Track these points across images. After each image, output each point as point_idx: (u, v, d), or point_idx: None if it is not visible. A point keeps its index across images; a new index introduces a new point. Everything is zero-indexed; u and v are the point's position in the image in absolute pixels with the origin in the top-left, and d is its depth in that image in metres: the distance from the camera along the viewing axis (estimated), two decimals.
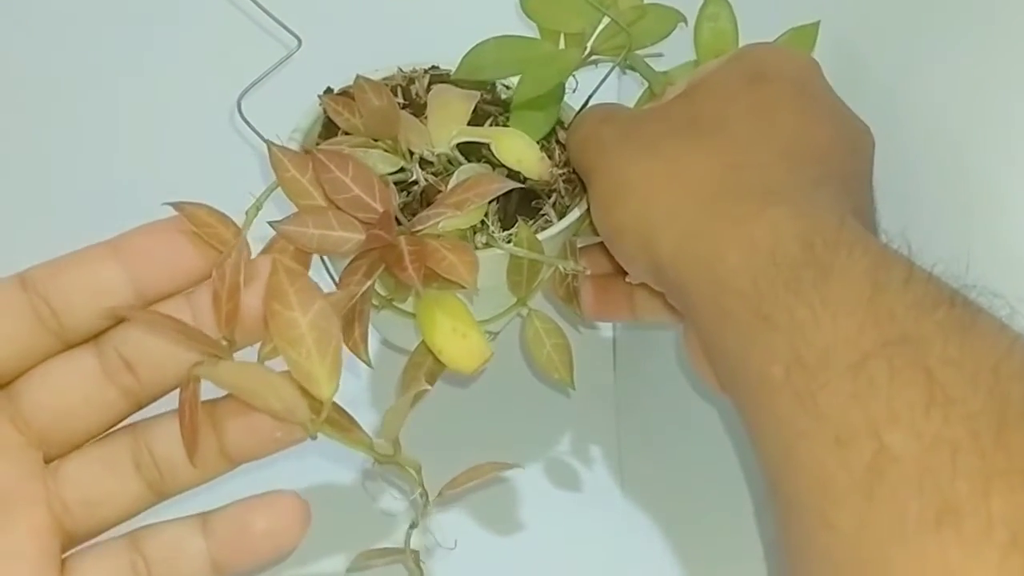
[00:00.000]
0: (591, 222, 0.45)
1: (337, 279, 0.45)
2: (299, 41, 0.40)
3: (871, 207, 0.37)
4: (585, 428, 0.50)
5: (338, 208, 0.38)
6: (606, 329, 0.53)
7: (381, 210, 0.38)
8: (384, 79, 0.48)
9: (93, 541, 0.35)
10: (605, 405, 0.51)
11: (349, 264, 0.39)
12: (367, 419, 0.49)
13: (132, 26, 0.55)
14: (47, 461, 0.34)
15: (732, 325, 0.31)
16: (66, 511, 0.33)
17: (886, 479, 0.26)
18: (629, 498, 0.47)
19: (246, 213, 0.37)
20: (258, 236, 0.36)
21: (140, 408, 0.35)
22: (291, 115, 0.44)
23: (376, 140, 0.42)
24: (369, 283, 0.38)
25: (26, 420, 0.33)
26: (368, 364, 0.39)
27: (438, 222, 0.39)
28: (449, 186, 0.42)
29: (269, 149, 0.37)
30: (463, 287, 0.38)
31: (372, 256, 0.38)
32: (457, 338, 0.39)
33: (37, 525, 0.32)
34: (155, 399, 0.35)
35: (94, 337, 0.34)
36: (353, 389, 0.51)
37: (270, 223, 0.36)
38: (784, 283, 0.30)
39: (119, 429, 0.35)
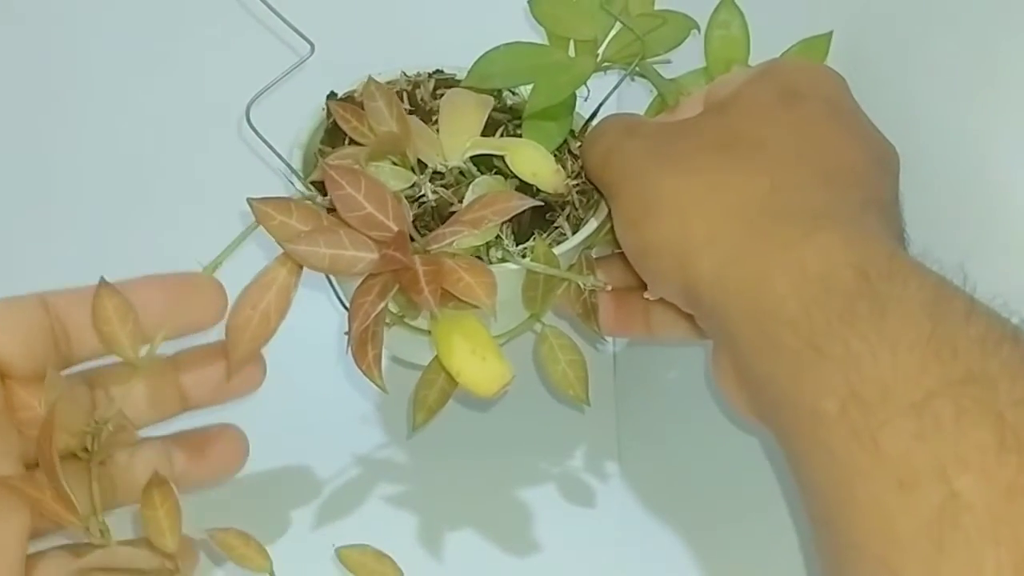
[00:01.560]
0: (605, 234, 0.44)
1: (345, 300, 0.44)
2: (312, 47, 0.38)
3: (903, 230, 0.36)
4: (585, 441, 0.49)
5: (349, 227, 0.37)
6: (606, 339, 0.52)
7: (395, 228, 0.36)
8: (388, 83, 0.46)
9: None
10: (606, 418, 0.50)
11: (361, 284, 0.37)
12: (376, 438, 0.48)
13: (141, 31, 0.53)
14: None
15: (778, 354, 0.31)
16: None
17: (959, 528, 0.25)
18: (631, 508, 0.47)
19: (203, 268, 0.38)
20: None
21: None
22: (300, 122, 0.42)
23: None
24: (382, 304, 0.37)
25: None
26: (383, 389, 0.37)
27: (453, 241, 0.37)
28: (464, 201, 0.40)
29: (250, 205, 0.37)
30: (476, 307, 0.37)
31: (385, 276, 0.37)
32: (476, 360, 0.37)
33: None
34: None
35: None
36: (363, 408, 0.49)
37: (280, 243, 0.34)
38: (838, 314, 0.29)
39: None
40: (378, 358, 0.37)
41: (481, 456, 0.48)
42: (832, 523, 0.29)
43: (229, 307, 0.37)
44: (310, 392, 0.49)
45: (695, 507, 0.47)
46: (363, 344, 0.37)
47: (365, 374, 0.37)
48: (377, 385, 0.37)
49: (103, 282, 0.38)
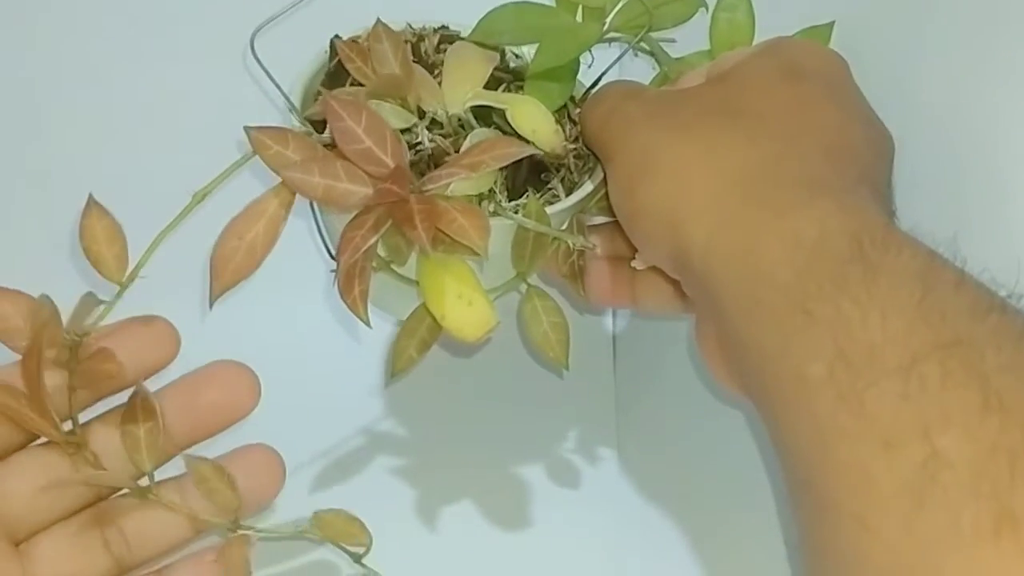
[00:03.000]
0: (598, 201, 0.44)
1: (328, 241, 0.44)
2: None
3: (894, 213, 0.36)
4: (584, 422, 0.49)
5: (345, 159, 0.37)
6: (605, 322, 0.52)
7: (392, 164, 0.36)
8: None
9: None
10: (604, 399, 0.49)
11: (353, 219, 0.37)
12: (354, 391, 0.48)
13: None
14: (16, 544, 0.37)
15: (767, 318, 0.31)
16: None
17: (938, 484, 0.25)
18: (628, 493, 0.46)
19: (192, 196, 0.37)
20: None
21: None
22: (305, 58, 0.42)
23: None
24: (374, 239, 0.37)
25: None
26: (367, 323, 0.37)
27: (450, 183, 0.37)
28: (462, 151, 0.40)
29: (247, 133, 0.36)
30: (472, 252, 0.37)
31: (379, 212, 0.37)
32: (463, 304, 0.37)
33: None
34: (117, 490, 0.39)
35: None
36: (344, 352, 0.49)
37: (274, 169, 0.34)
38: (830, 278, 0.29)
39: (85, 510, 0.39)
40: (365, 293, 0.37)
41: (471, 438, 0.47)
42: (810, 484, 0.28)
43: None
44: (296, 344, 0.49)
45: (697, 486, 0.46)
46: (350, 279, 0.37)
47: (350, 308, 0.37)
48: (361, 319, 0.37)
49: (92, 201, 0.37)
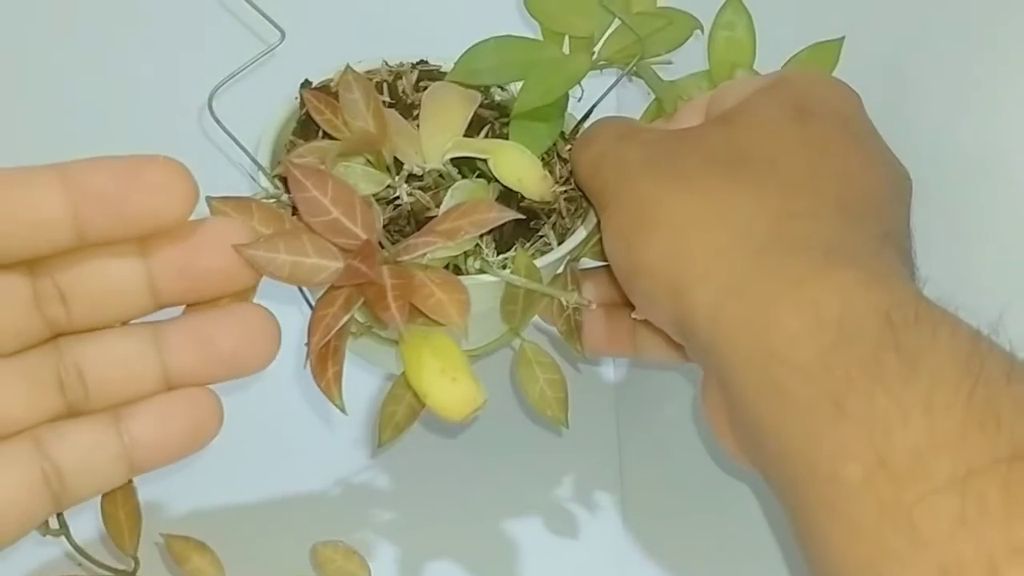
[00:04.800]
0: (593, 246, 0.41)
1: (312, 301, 0.41)
2: (282, 34, 0.35)
3: (915, 264, 0.33)
4: (586, 475, 0.46)
5: (313, 232, 0.34)
6: (606, 370, 0.49)
7: (363, 237, 0.34)
8: (367, 73, 0.43)
9: None
10: (607, 452, 0.47)
11: (324, 295, 0.34)
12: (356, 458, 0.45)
13: (100, 18, 0.49)
14: None
15: (787, 405, 0.28)
16: None
17: None
18: (632, 547, 0.44)
19: None
20: None
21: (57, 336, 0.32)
22: (268, 115, 0.39)
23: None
24: (345, 318, 0.34)
25: None
26: (342, 410, 0.35)
27: (427, 252, 0.35)
28: (441, 207, 0.38)
29: (208, 203, 0.33)
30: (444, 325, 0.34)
31: (350, 288, 0.34)
32: (446, 381, 0.35)
33: None
34: (77, 332, 0.32)
35: (28, 262, 0.30)
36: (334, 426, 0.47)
37: (235, 246, 0.31)
38: (860, 364, 0.26)
39: (41, 344, 0.32)
40: (338, 375, 0.34)
41: (467, 493, 0.45)
42: None
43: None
44: (273, 405, 0.46)
45: (704, 543, 0.44)
46: (323, 360, 0.34)
47: (323, 392, 0.34)
48: (336, 405, 0.34)
49: None
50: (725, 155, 0.34)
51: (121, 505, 0.37)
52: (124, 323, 0.32)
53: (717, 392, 0.32)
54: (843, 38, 0.43)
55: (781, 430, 0.28)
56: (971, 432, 0.24)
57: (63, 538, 0.37)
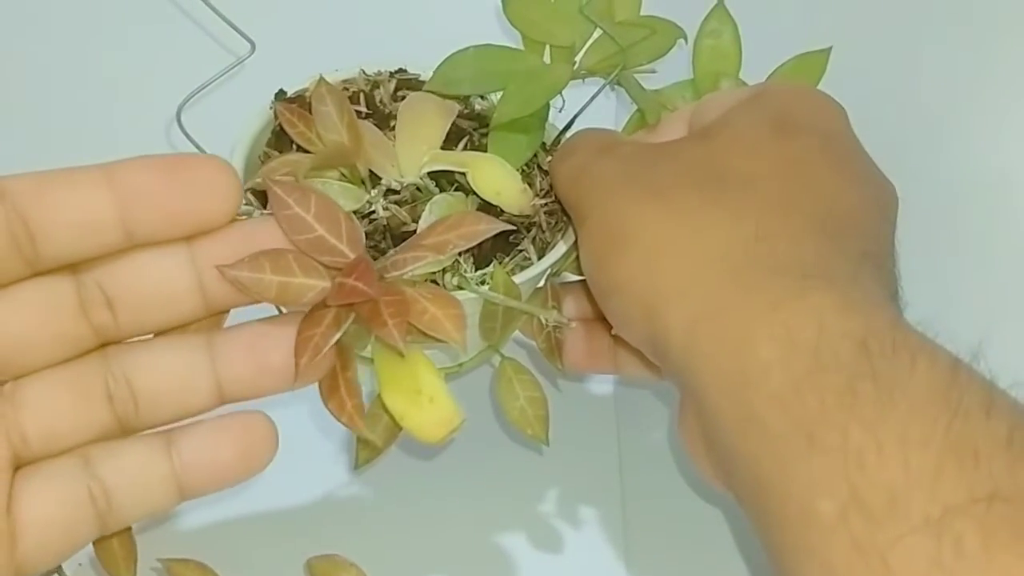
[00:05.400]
0: (574, 260, 0.40)
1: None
2: (252, 46, 0.34)
3: (898, 286, 0.33)
4: (586, 496, 0.45)
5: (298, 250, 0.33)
6: (604, 384, 0.48)
7: (350, 254, 0.32)
8: (344, 82, 0.42)
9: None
10: (608, 471, 0.45)
11: (308, 314, 0.33)
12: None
13: (67, 31, 0.48)
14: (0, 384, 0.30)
15: (761, 434, 0.27)
16: (24, 442, 0.30)
17: None
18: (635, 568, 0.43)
19: None
20: None
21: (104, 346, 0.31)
22: (239, 127, 0.38)
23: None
24: (337, 335, 0.32)
25: None
26: (374, 441, 0.34)
27: (415, 268, 0.34)
28: (420, 221, 0.37)
29: None
30: (437, 340, 0.33)
31: (339, 306, 0.33)
32: (423, 402, 0.34)
33: None
34: (125, 340, 0.31)
35: (71, 266, 0.29)
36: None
37: (219, 267, 0.30)
38: (835, 394, 0.26)
39: (89, 354, 0.31)
40: (360, 408, 0.33)
41: (462, 516, 0.44)
42: None
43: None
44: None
45: (706, 566, 0.43)
46: (334, 389, 0.33)
47: (347, 425, 0.33)
48: (364, 435, 0.33)
49: None
50: (703, 173, 0.33)
51: (114, 533, 0.36)
52: (173, 328, 0.32)
53: (692, 415, 0.31)
54: (830, 48, 0.43)
55: (755, 459, 0.27)
56: (948, 468, 0.24)
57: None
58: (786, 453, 0.26)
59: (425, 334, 0.33)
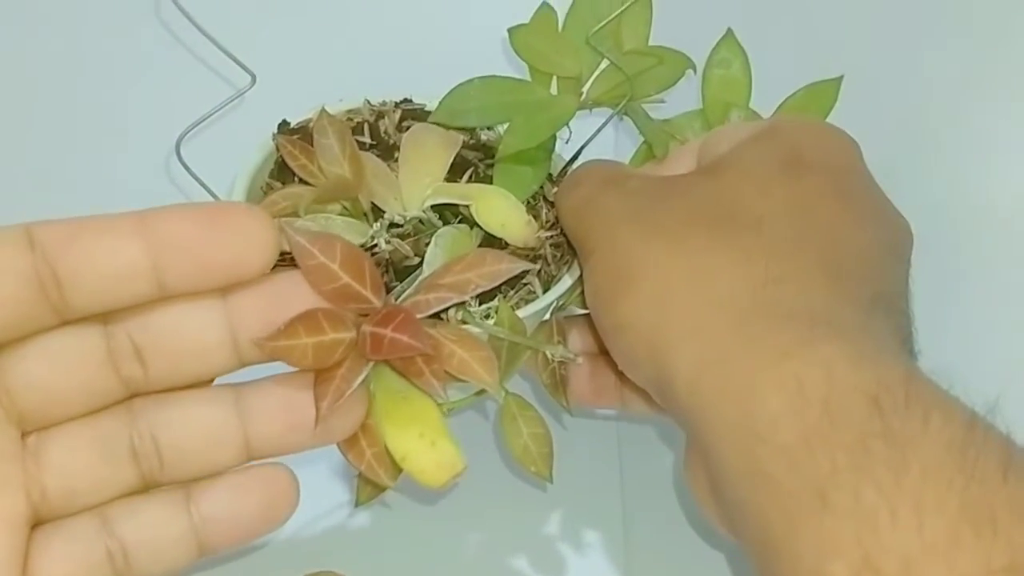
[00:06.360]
0: (579, 294, 0.40)
1: None
2: (253, 78, 0.34)
3: (911, 329, 0.32)
4: (589, 527, 0.44)
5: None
6: (608, 417, 0.47)
7: (376, 301, 0.31)
8: (348, 112, 0.42)
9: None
10: (610, 508, 0.44)
11: None
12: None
13: (64, 65, 0.47)
14: (24, 435, 0.29)
15: (770, 490, 0.26)
16: (44, 498, 0.29)
17: None
18: None
19: None
20: None
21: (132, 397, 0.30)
22: (240, 160, 0.38)
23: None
24: (359, 380, 0.31)
25: (10, 395, 0.28)
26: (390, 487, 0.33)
27: (440, 310, 0.33)
28: (426, 256, 0.36)
29: None
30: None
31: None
32: (424, 445, 0.33)
33: (10, 514, 0.28)
34: (153, 393, 0.30)
35: (101, 315, 0.28)
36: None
37: (256, 341, 0.29)
38: (846, 451, 0.25)
39: (114, 407, 0.30)
40: (381, 456, 0.32)
41: (462, 553, 0.43)
42: None
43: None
44: None
45: None
46: (355, 442, 0.32)
47: (367, 475, 0.32)
48: (384, 485, 0.33)
49: None
50: (710, 211, 0.32)
51: None
52: (205, 382, 0.31)
53: (699, 461, 0.30)
54: (842, 77, 0.42)
55: (763, 514, 0.26)
56: (965, 537, 0.23)
57: None
58: (796, 511, 0.25)
59: (455, 377, 0.32)
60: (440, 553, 0.43)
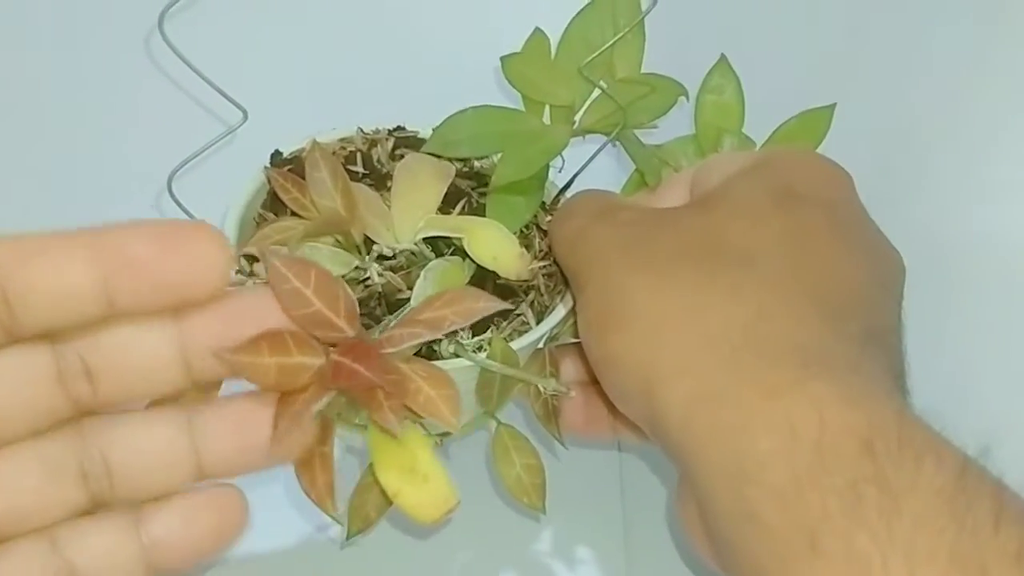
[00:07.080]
0: (572, 324, 0.39)
1: None
2: (244, 114, 0.34)
3: (904, 364, 0.32)
4: (589, 551, 0.44)
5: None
6: (610, 447, 0.47)
7: (348, 330, 0.31)
8: (341, 140, 0.41)
9: None
10: (612, 537, 0.44)
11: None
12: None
13: (55, 102, 0.47)
14: None
15: (761, 532, 0.26)
16: None
17: None
18: None
19: None
20: None
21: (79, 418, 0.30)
22: (231, 195, 0.38)
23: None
24: (318, 406, 0.32)
25: None
26: (338, 521, 0.33)
27: (412, 344, 0.33)
28: (415, 288, 0.36)
29: None
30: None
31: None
32: (417, 481, 0.33)
33: None
34: (103, 414, 0.30)
35: (51, 334, 0.28)
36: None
37: (216, 352, 0.29)
38: (838, 496, 0.25)
39: (64, 427, 0.29)
40: (330, 485, 0.32)
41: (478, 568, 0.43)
42: None
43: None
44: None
45: None
46: (309, 468, 0.32)
47: (317, 504, 0.32)
48: (332, 517, 0.32)
49: None
50: (703, 246, 0.32)
51: None
52: (155, 400, 0.30)
53: (690, 497, 0.30)
54: (834, 105, 0.42)
55: (754, 555, 0.26)
56: None
57: None
58: (787, 554, 0.25)
59: (416, 414, 0.32)
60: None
